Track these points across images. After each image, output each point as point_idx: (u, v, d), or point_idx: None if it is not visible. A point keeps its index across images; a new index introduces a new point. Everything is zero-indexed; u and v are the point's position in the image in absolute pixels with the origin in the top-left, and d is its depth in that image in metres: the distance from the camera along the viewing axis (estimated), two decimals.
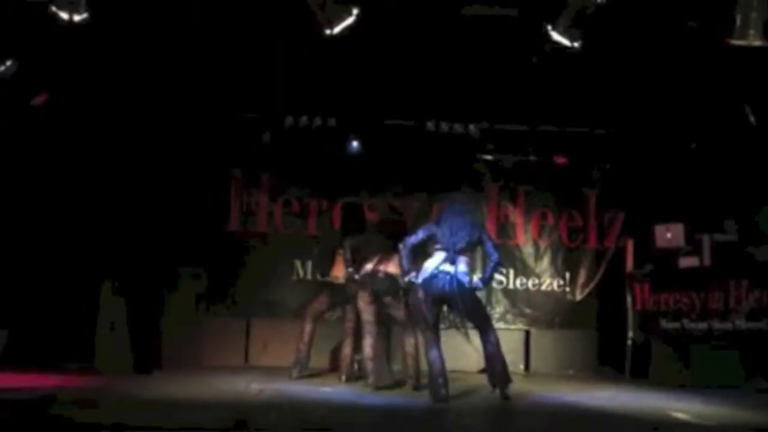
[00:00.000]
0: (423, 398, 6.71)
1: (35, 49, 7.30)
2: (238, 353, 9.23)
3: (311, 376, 7.99)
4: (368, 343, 7.38)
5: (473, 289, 6.73)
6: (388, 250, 7.37)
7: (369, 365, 7.34)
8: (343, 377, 7.68)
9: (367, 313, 7.42)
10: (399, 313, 7.43)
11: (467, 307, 6.68)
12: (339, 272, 7.89)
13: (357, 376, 7.68)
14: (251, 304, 9.27)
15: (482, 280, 6.88)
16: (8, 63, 7.38)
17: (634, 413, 6.33)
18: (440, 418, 6.16)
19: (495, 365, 6.64)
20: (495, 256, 6.81)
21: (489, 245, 6.82)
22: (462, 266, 6.62)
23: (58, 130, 8.35)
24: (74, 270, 8.40)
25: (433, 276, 6.57)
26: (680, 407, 6.51)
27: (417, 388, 7.21)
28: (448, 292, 6.56)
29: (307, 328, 7.90)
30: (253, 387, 7.15)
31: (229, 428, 4.96)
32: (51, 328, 8.19)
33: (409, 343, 7.42)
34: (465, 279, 6.62)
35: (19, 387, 6.57)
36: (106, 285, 8.42)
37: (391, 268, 7.37)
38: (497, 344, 6.63)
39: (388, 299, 7.38)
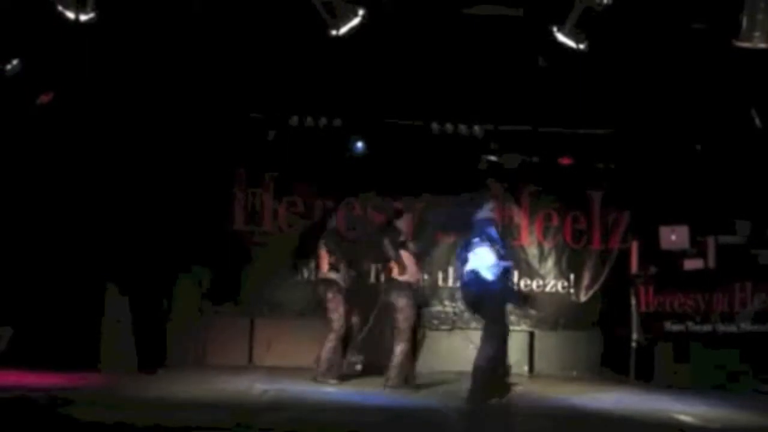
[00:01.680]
0: (428, 399, 6.72)
1: (41, 48, 7.31)
2: (242, 353, 9.21)
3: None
4: (404, 349, 7.40)
5: None
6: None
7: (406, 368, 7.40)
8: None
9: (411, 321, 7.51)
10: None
11: None
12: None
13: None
14: (255, 304, 9.25)
15: None
16: (14, 62, 7.39)
17: (639, 416, 6.34)
18: (444, 419, 6.16)
19: None
20: None
21: None
22: None
23: (64, 129, 8.34)
24: (79, 269, 8.39)
25: None
26: (684, 410, 6.50)
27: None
28: None
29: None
30: (257, 387, 7.15)
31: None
32: (56, 326, 8.18)
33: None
34: None
35: (23, 386, 6.57)
36: (111, 284, 8.42)
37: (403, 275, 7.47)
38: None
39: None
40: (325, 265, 7.92)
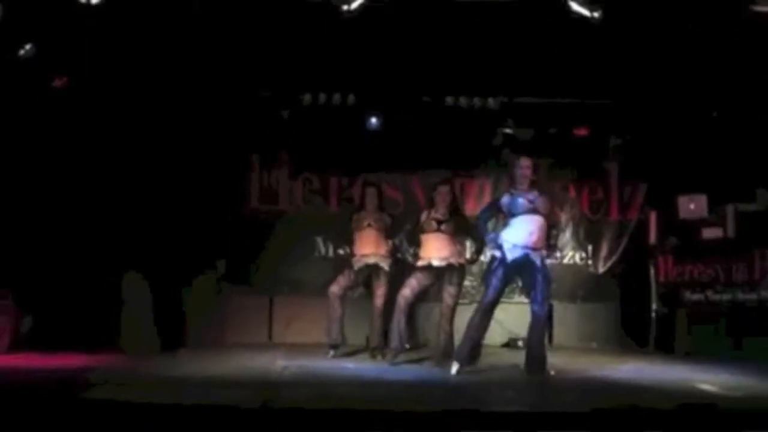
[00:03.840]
0: (446, 372, 6.74)
1: (55, 32, 7.30)
2: (261, 331, 9.28)
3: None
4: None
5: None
6: None
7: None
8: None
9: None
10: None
11: None
12: (368, 249, 7.88)
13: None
14: (273, 282, 9.30)
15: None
16: (27, 47, 7.39)
17: (660, 385, 6.32)
18: (465, 392, 6.17)
19: None
20: None
21: None
22: None
23: (78, 115, 8.34)
24: (97, 252, 8.44)
25: None
26: (706, 379, 6.49)
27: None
28: None
29: (337, 309, 7.90)
30: (278, 364, 7.20)
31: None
32: (76, 309, 8.23)
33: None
34: None
35: (46, 368, 6.66)
36: (129, 266, 8.47)
37: None
38: None
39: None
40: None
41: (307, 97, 8.87)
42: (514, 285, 7.35)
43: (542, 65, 8.05)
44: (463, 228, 7.59)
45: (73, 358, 7.14)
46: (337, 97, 8.87)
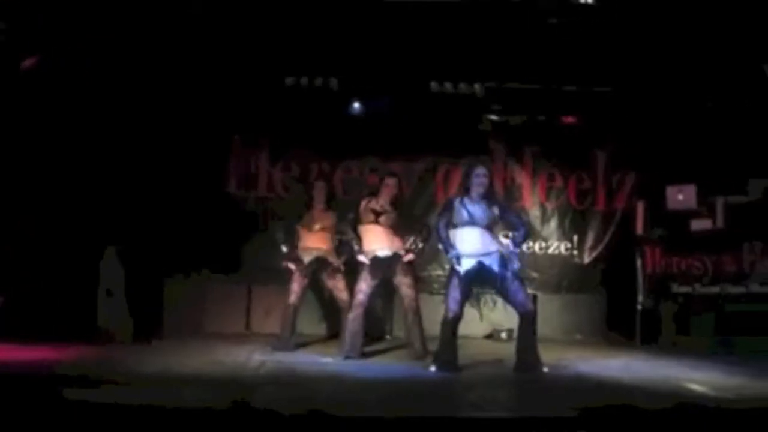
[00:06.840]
0: (428, 369, 6.56)
1: (29, 10, 7.03)
2: (239, 320, 9.10)
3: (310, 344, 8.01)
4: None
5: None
6: None
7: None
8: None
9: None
10: None
11: None
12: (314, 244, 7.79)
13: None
14: (252, 270, 9.07)
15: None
16: None
17: (649, 384, 6.16)
18: (449, 389, 6.01)
19: None
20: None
21: None
22: None
23: (55, 96, 8.08)
24: (73, 238, 8.22)
25: None
26: (695, 377, 6.34)
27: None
28: None
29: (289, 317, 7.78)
30: (254, 358, 6.99)
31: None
32: (50, 296, 8.01)
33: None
34: None
35: (15, 361, 6.41)
36: (106, 253, 8.23)
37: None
38: None
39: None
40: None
41: (289, 80, 8.61)
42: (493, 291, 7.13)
43: (531, 50, 7.85)
44: (403, 223, 7.39)
45: (43, 349, 6.87)
46: (319, 81, 8.61)
